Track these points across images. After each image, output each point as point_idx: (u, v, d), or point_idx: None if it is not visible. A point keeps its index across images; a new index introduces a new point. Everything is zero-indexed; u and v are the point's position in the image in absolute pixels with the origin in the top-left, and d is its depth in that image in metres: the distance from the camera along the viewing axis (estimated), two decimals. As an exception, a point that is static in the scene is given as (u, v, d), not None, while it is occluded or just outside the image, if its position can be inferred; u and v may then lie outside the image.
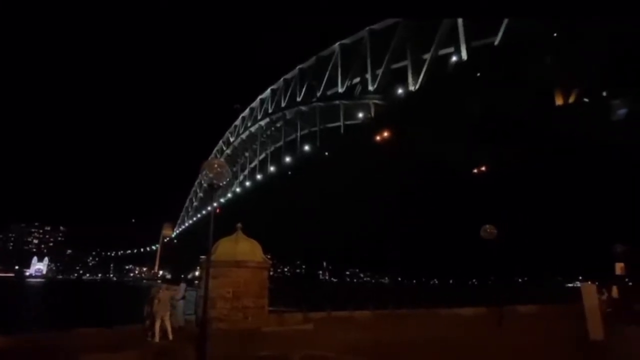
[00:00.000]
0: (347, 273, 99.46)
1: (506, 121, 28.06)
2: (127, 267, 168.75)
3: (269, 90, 61.15)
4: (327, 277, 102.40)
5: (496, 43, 28.45)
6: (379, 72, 38.28)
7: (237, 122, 74.07)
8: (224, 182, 6.31)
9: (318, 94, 48.00)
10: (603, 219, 30.79)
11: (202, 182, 6.48)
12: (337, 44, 44.45)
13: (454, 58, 31.63)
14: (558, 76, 27.36)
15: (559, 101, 27.28)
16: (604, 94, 26.88)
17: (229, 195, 76.40)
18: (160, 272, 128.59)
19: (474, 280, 55.44)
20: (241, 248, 9.32)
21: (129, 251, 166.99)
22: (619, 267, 18.23)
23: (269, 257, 10.31)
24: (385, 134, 39.39)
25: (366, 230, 52.87)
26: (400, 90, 36.24)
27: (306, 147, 52.16)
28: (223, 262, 8.87)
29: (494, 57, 28.47)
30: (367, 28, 39.88)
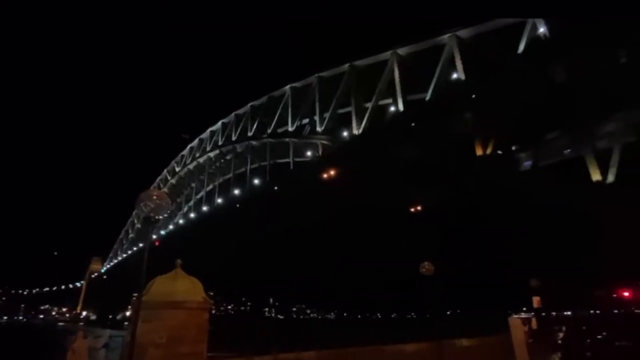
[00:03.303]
0: (294, 309, 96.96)
1: (435, 167, 31.45)
2: (42, 307, 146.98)
3: (219, 123, 61.32)
4: (273, 314, 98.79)
5: (427, 98, 32.51)
6: (327, 115, 41.01)
7: (185, 152, 72.33)
8: (164, 216, 6.03)
9: (269, 131, 49.45)
10: (518, 254, 34.74)
11: (139, 214, 6.02)
12: (288, 86, 46.95)
13: (392, 108, 35.29)
14: (477, 130, 31.69)
15: (478, 152, 31.41)
16: (513, 147, 31.75)
17: (171, 227, 72.55)
18: (84, 313, 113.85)
19: (412, 314, 57.87)
20: (180, 287, 8.52)
21: (47, 288, 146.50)
22: (535, 301, 20.85)
23: (211, 294, 9.82)
24: (332, 172, 41.36)
25: (313, 266, 53.28)
26: (345, 133, 39.03)
27: (256, 181, 52.41)
28: (158, 302, 7.98)
29: (425, 111, 32.39)
30: (316, 75, 43.05)
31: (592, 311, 28.12)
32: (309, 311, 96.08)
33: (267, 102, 50.95)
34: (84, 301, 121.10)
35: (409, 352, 11.72)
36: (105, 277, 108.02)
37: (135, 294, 6.70)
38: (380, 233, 41.27)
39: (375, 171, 34.05)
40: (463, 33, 31.64)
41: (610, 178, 25.47)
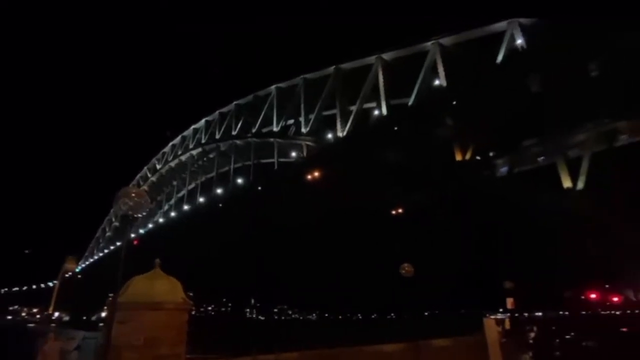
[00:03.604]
0: (275, 310, 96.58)
1: (418, 170, 32.16)
2: (11, 307, 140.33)
3: (203, 121, 60.47)
4: (254, 315, 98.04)
5: (410, 103, 33.20)
6: (312, 116, 41.19)
7: (167, 149, 70.85)
8: (143, 214, 5.94)
9: (253, 130, 49.18)
10: (494, 257, 35.92)
11: (117, 212, 5.94)
12: (273, 86, 46.86)
13: (376, 112, 35.86)
14: (457, 136, 32.60)
15: (458, 157, 32.30)
16: (491, 153, 32.86)
17: (150, 225, 71.03)
18: (56, 314, 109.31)
19: (392, 315, 58.91)
20: (159, 287, 8.23)
21: (17, 288, 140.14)
22: (509, 302, 21.63)
23: (191, 294, 9.70)
24: (316, 173, 41.55)
25: (295, 267, 53.39)
26: (329, 135, 39.34)
27: (239, 180, 51.96)
28: (135, 303, 7.72)
29: (408, 115, 33.09)
30: (302, 76, 43.19)
31: (561, 312, 29.40)
32: (290, 312, 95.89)
33: (252, 101, 50.67)
34: (56, 301, 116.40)
35: (387, 352, 11.97)
36: (80, 276, 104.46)
37: (112, 295, 6.56)
38: (363, 235, 41.80)
39: (359, 173, 34.45)
40: (445, 41, 32.51)
41: (580, 185, 26.75)
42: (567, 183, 27.29)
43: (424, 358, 11.23)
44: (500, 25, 29.45)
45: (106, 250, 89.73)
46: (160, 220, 69.15)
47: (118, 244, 78.35)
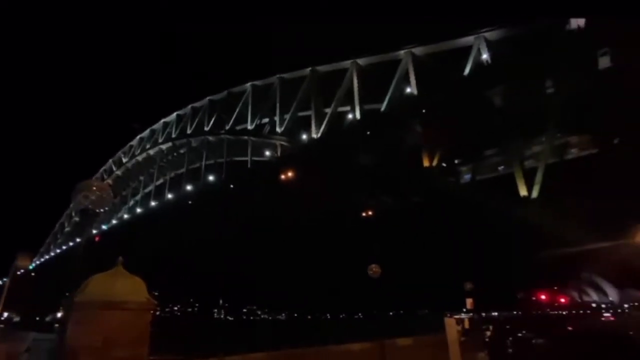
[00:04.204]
0: (244, 310, 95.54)
1: (387, 175, 33.18)
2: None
3: (174, 115, 58.73)
4: (222, 315, 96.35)
5: (382, 109, 34.17)
6: (287, 116, 41.27)
7: (134, 142, 68.10)
8: (105, 209, 5.52)
9: (227, 127, 48.44)
10: (455, 258, 37.68)
11: (77, 206, 5.46)
12: (249, 84, 46.41)
13: (350, 116, 36.56)
14: (425, 143, 33.91)
15: (425, 163, 33.61)
16: (456, 161, 34.48)
17: (114, 221, 68.03)
18: (5, 314, 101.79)
19: (359, 315, 60.30)
20: (120, 286, 7.96)
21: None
22: (469, 302, 22.72)
23: (156, 294, 9.46)
24: (290, 173, 41.61)
25: (264, 267, 53.23)
26: (304, 136, 39.60)
27: (210, 177, 50.95)
28: (94, 302, 7.40)
29: (380, 121, 34.04)
30: (277, 75, 43.12)
31: (514, 312, 31.41)
32: (259, 312, 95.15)
33: (226, 97, 49.85)
34: (5, 301, 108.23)
35: (353, 351, 12.16)
36: (33, 274, 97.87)
37: (69, 294, 6.44)
38: (333, 236, 42.44)
39: (331, 175, 34.98)
40: (417, 50, 33.75)
41: (534, 194, 28.71)
42: (523, 191, 29.17)
43: (389, 357, 11.71)
44: (468, 40, 31.06)
45: (64, 247, 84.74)
46: (125, 216, 66.43)
47: (78, 240, 74.32)
